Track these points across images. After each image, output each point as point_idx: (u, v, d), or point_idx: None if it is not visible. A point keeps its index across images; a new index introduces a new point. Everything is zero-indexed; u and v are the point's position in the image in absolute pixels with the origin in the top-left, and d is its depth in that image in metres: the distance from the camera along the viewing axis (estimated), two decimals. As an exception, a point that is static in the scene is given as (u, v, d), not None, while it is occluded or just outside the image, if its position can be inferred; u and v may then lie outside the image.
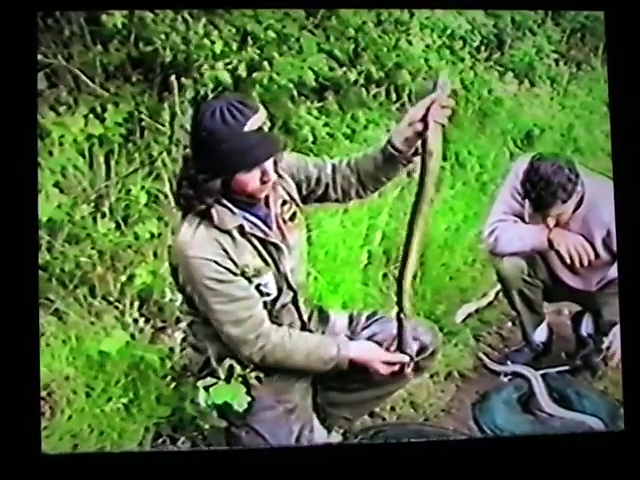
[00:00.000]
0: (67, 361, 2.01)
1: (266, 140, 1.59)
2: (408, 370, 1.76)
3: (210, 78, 2.61)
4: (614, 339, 2.19)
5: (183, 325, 1.96)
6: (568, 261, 2.17)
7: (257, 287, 1.67)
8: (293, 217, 1.73)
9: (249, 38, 2.81)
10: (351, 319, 1.90)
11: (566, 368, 2.33)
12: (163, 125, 2.57)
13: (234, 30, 2.77)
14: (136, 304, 2.23)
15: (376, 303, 2.45)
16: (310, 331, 1.81)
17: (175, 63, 2.64)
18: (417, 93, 3.21)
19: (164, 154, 2.52)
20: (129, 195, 2.45)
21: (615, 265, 2.11)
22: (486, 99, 3.54)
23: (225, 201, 1.63)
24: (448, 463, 1.81)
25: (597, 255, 2.18)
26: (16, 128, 1.78)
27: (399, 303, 1.72)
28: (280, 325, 1.72)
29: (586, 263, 2.16)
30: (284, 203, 1.72)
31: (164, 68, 2.64)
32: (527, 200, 2.14)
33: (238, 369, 1.70)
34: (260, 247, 1.67)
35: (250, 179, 1.59)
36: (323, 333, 1.85)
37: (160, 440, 1.89)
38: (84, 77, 2.55)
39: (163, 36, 2.61)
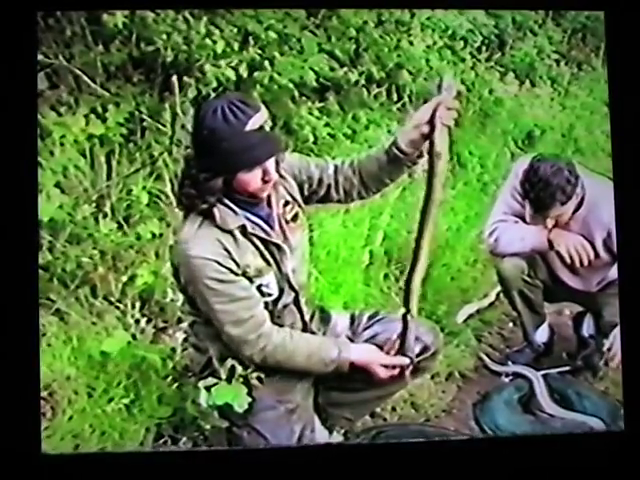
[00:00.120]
0: (68, 361, 2.01)
1: (267, 139, 1.59)
2: (407, 372, 1.76)
3: (211, 78, 2.61)
4: (614, 341, 2.19)
5: (184, 325, 1.97)
6: (568, 261, 2.17)
7: (258, 287, 1.67)
8: (295, 218, 1.73)
9: (250, 38, 2.81)
10: (353, 319, 1.90)
11: (567, 369, 2.34)
12: (164, 125, 2.57)
13: (235, 30, 2.78)
14: (137, 304, 2.23)
15: (377, 303, 2.45)
16: (312, 332, 1.80)
17: (176, 63, 2.64)
18: (418, 93, 3.21)
19: (165, 154, 2.52)
20: (130, 195, 2.45)
21: (616, 266, 2.11)
22: (487, 99, 3.54)
23: (227, 201, 1.63)
24: (449, 463, 1.81)
25: (597, 255, 2.18)
26: (16, 128, 1.78)
27: (406, 304, 1.71)
28: (282, 326, 1.72)
29: (586, 263, 2.16)
30: (286, 204, 1.72)
31: (165, 68, 2.64)
32: (527, 200, 2.15)
33: (239, 369, 1.70)
34: (262, 247, 1.67)
35: (251, 178, 1.59)
36: (324, 333, 1.85)
37: (161, 440, 1.89)
38: (85, 77, 2.55)
39: (164, 36, 2.61)
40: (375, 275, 2.58)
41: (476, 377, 2.38)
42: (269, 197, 1.68)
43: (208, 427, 1.78)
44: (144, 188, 2.46)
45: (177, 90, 2.56)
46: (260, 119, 1.56)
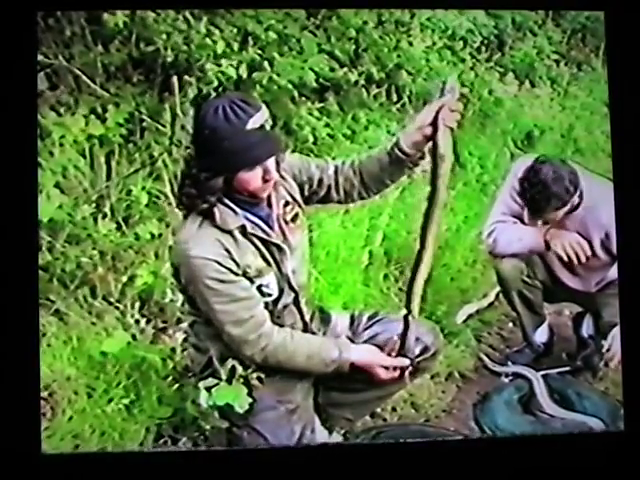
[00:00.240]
0: (68, 361, 2.01)
1: (268, 138, 1.59)
2: (407, 374, 1.76)
3: (212, 77, 2.61)
4: (613, 341, 2.19)
5: (184, 325, 1.97)
6: (565, 259, 2.17)
7: (259, 287, 1.67)
8: (295, 218, 1.73)
9: (250, 38, 2.81)
10: (352, 320, 1.90)
11: (567, 369, 2.34)
12: (164, 126, 2.57)
13: (235, 30, 2.78)
14: (137, 305, 2.23)
15: (377, 304, 2.45)
16: (312, 332, 1.80)
17: (176, 63, 2.64)
18: (418, 94, 3.21)
19: (165, 155, 2.52)
20: (130, 195, 2.45)
21: (615, 266, 2.11)
22: (487, 100, 3.54)
23: (227, 201, 1.63)
24: (449, 463, 1.81)
25: (595, 255, 2.18)
26: (16, 128, 1.78)
27: (407, 305, 1.71)
28: (282, 326, 1.72)
29: (584, 259, 2.15)
30: (286, 204, 1.72)
31: (165, 68, 2.64)
32: (523, 199, 2.15)
33: (240, 370, 1.70)
34: (262, 247, 1.67)
35: (252, 177, 1.60)
36: (325, 334, 1.85)
37: (161, 441, 1.89)
38: (85, 77, 2.55)
39: (164, 36, 2.61)
40: (375, 275, 2.58)
41: (476, 377, 2.38)
42: (269, 197, 1.68)
43: (208, 427, 1.78)
44: (143, 188, 2.45)
45: (177, 90, 2.56)
46: (261, 118, 1.57)
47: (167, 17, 2.64)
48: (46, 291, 2.13)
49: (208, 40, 2.67)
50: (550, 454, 1.85)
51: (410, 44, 3.36)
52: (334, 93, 3.07)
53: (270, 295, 1.70)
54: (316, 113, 2.93)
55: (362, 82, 3.14)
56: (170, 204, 2.40)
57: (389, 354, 1.75)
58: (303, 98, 2.91)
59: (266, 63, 2.79)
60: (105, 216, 2.38)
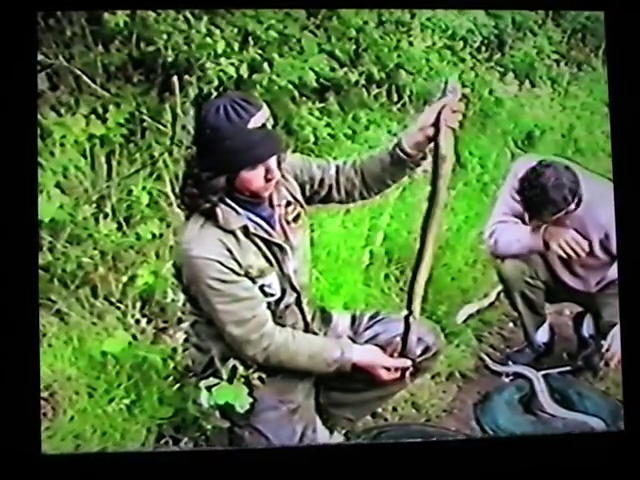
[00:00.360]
0: (69, 362, 2.01)
1: (269, 137, 1.60)
2: (408, 374, 1.77)
3: (212, 76, 2.61)
4: (613, 341, 2.19)
5: (185, 325, 1.97)
6: (564, 255, 2.17)
7: (261, 287, 1.67)
8: (297, 218, 1.73)
9: (250, 38, 2.81)
10: (354, 320, 1.90)
11: (568, 369, 2.34)
12: (165, 126, 2.56)
13: (236, 30, 2.77)
14: (138, 304, 2.22)
15: (378, 303, 2.45)
16: (313, 332, 1.81)
17: (177, 63, 2.63)
18: (418, 94, 3.20)
19: (166, 155, 2.52)
20: (131, 196, 2.45)
21: (615, 266, 2.11)
22: (487, 100, 3.53)
23: (229, 201, 1.63)
24: (450, 463, 1.82)
25: (594, 255, 2.18)
26: (17, 129, 1.78)
27: (409, 306, 1.72)
28: (283, 326, 1.72)
29: (583, 255, 2.15)
30: (288, 204, 1.72)
31: (165, 68, 2.64)
32: (520, 198, 2.15)
33: (241, 369, 1.70)
34: (264, 248, 1.67)
35: (254, 177, 1.60)
36: (326, 334, 1.85)
37: (162, 441, 1.89)
38: (85, 77, 2.54)
39: (165, 36, 2.61)
40: (375, 275, 2.58)
41: (477, 377, 2.38)
42: (271, 197, 1.69)
43: (209, 427, 1.78)
44: (144, 188, 2.45)
45: (177, 90, 2.56)
46: (262, 117, 1.57)
47: (167, 17, 2.64)
48: (47, 291, 2.13)
49: (208, 40, 2.66)
50: (551, 454, 1.85)
51: (410, 44, 3.35)
52: (335, 93, 3.06)
53: (272, 295, 1.70)
54: (317, 113, 2.93)
55: (362, 82, 3.13)
56: (171, 204, 2.40)
57: (391, 355, 1.76)
58: (304, 98, 2.91)
59: (266, 63, 2.79)
60: (106, 216, 2.37)
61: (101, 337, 2.07)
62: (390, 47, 3.26)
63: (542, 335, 2.44)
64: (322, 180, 1.77)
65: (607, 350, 2.22)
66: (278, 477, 1.76)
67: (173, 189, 2.39)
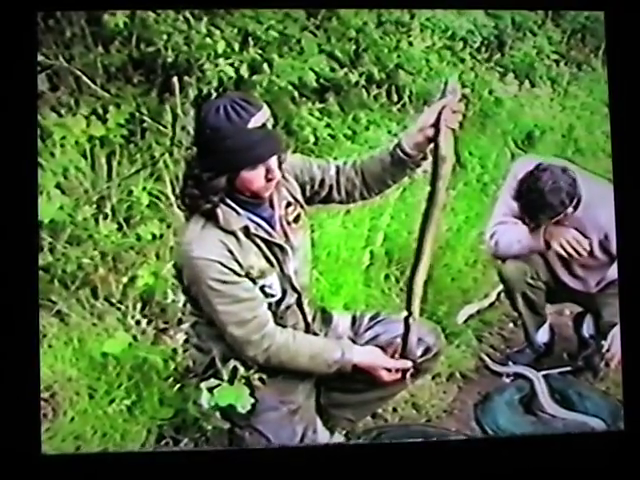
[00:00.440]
0: (69, 362, 2.01)
1: (270, 137, 1.60)
2: (408, 375, 1.77)
3: (212, 76, 2.61)
4: (613, 341, 2.19)
5: (185, 326, 1.96)
6: (565, 255, 2.17)
7: (262, 288, 1.67)
8: (297, 219, 1.73)
9: (250, 39, 2.81)
10: (354, 320, 1.90)
11: (568, 369, 2.34)
12: (165, 126, 2.57)
13: (235, 31, 2.78)
14: (138, 305, 2.22)
15: (378, 304, 2.45)
16: (314, 333, 1.81)
17: (177, 64, 2.64)
18: (418, 94, 3.21)
19: (166, 155, 2.52)
20: (131, 196, 2.45)
21: (614, 266, 2.11)
22: (487, 100, 3.54)
23: (230, 201, 1.63)
24: (450, 464, 1.82)
25: (593, 255, 2.18)
26: (17, 129, 1.78)
27: (408, 307, 1.72)
28: (284, 326, 1.72)
29: (584, 254, 2.15)
30: (288, 205, 1.72)
31: (165, 69, 2.64)
32: (519, 199, 2.15)
33: (242, 370, 1.70)
34: (265, 248, 1.67)
35: (255, 177, 1.60)
36: (326, 334, 1.85)
37: (163, 442, 1.89)
38: (85, 78, 2.55)
39: (164, 37, 2.61)
40: (376, 276, 2.58)
41: (477, 377, 2.38)
42: (271, 198, 1.68)
43: (210, 428, 1.78)
44: (144, 189, 2.45)
45: (177, 91, 2.56)
46: (262, 117, 1.57)
47: (167, 17, 2.64)
48: (47, 292, 2.14)
49: (208, 40, 2.66)
50: (551, 454, 1.86)
51: (410, 44, 3.36)
52: (334, 93, 3.07)
53: (273, 296, 1.70)
54: (317, 113, 2.93)
55: (362, 82, 3.14)
56: (171, 205, 2.40)
57: (392, 355, 1.76)
58: (304, 98, 2.91)
59: (266, 64, 2.79)
60: (106, 217, 2.37)
61: (101, 338, 2.07)
62: (390, 47, 3.27)
63: (542, 335, 2.45)
64: (322, 180, 1.77)
65: (607, 350, 2.22)
66: (278, 477, 1.76)
67: (173, 190, 2.39)
